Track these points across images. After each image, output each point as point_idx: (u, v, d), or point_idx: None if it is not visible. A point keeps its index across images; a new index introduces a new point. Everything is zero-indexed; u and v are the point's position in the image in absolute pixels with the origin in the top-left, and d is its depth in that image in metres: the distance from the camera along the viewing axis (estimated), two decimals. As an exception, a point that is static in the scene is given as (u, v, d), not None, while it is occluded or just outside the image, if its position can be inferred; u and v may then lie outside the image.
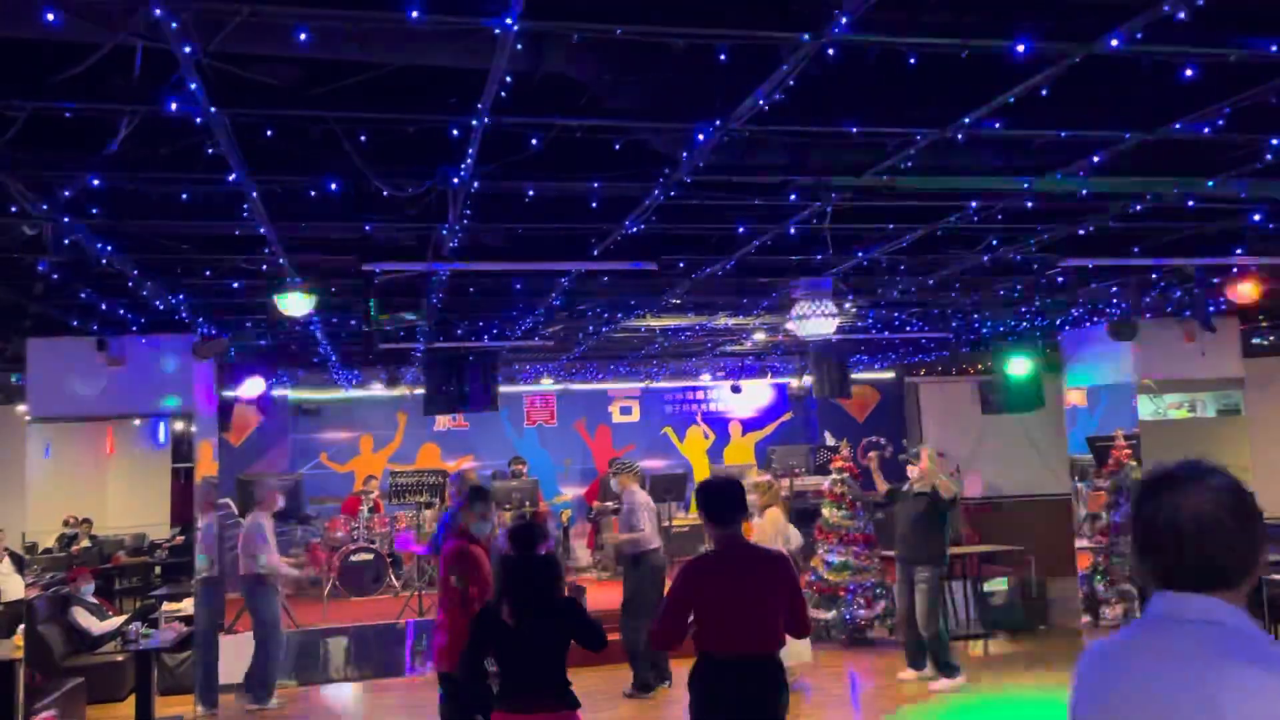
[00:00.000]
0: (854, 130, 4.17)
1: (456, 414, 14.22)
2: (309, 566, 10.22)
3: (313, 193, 4.76)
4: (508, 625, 4.24)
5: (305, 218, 5.14)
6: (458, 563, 5.67)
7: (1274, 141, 4.52)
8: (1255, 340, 11.16)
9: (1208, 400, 10.22)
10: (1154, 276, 7.90)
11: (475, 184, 4.66)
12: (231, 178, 4.34)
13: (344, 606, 11.09)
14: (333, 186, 4.62)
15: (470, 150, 4.17)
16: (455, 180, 4.55)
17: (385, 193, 4.60)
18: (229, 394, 10.19)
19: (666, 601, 4.37)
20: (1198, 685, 1.62)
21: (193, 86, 3.40)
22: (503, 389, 10.91)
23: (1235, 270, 7.30)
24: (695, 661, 4.31)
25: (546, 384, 15.00)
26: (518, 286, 7.35)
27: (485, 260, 6.18)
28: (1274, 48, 3.44)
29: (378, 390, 14.30)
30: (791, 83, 3.59)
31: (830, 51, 3.38)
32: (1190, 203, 5.53)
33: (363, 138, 4.14)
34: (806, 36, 3.24)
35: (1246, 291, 7.64)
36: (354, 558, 11.92)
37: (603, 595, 11.27)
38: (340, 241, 5.82)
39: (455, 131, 4.04)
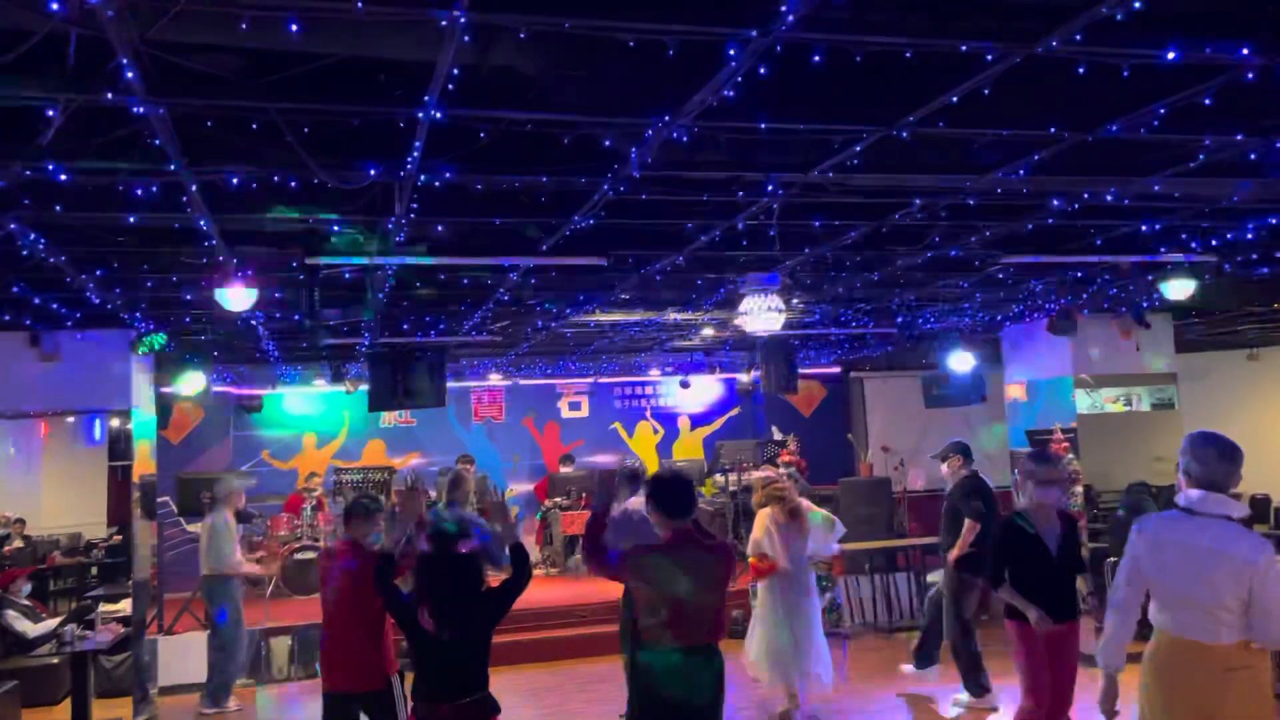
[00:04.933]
0: (801, 127, 4.20)
1: (403, 410, 14.10)
2: (270, 562, 10.07)
3: (255, 185, 4.67)
4: (427, 630, 4.14)
5: (247, 210, 5.05)
6: None
7: (1207, 141, 4.65)
8: (1189, 336, 11.48)
9: (1143, 394, 10.48)
10: (1078, 274, 8.08)
11: (422, 177, 4.62)
12: (170, 169, 4.24)
13: (287, 605, 10.94)
14: (275, 179, 4.54)
15: (417, 143, 4.13)
16: (401, 173, 4.50)
17: (330, 185, 4.54)
18: (168, 390, 9.98)
19: (617, 559, 4.41)
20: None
21: (130, 75, 3.32)
22: (450, 384, 10.82)
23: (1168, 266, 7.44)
24: (637, 651, 4.34)
25: (495, 379, 14.92)
26: (465, 281, 7.30)
27: (432, 254, 6.12)
28: (1208, 49, 3.54)
29: (321, 386, 14.11)
30: (740, 79, 3.60)
31: (778, 49, 3.41)
32: (1126, 201, 5.66)
33: (306, 130, 4.07)
34: (755, 33, 3.26)
35: None
36: (297, 556, 11.77)
37: (549, 593, 11.27)
38: (283, 235, 5.73)
39: (401, 124, 3.99)
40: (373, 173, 4.48)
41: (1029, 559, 5.33)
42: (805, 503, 7.63)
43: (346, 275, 6.58)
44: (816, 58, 3.49)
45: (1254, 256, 7.42)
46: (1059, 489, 5.43)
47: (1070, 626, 5.41)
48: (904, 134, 4.24)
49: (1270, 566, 3.64)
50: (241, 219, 5.22)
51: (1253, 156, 4.91)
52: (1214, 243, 6.87)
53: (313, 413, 14.82)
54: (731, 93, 3.70)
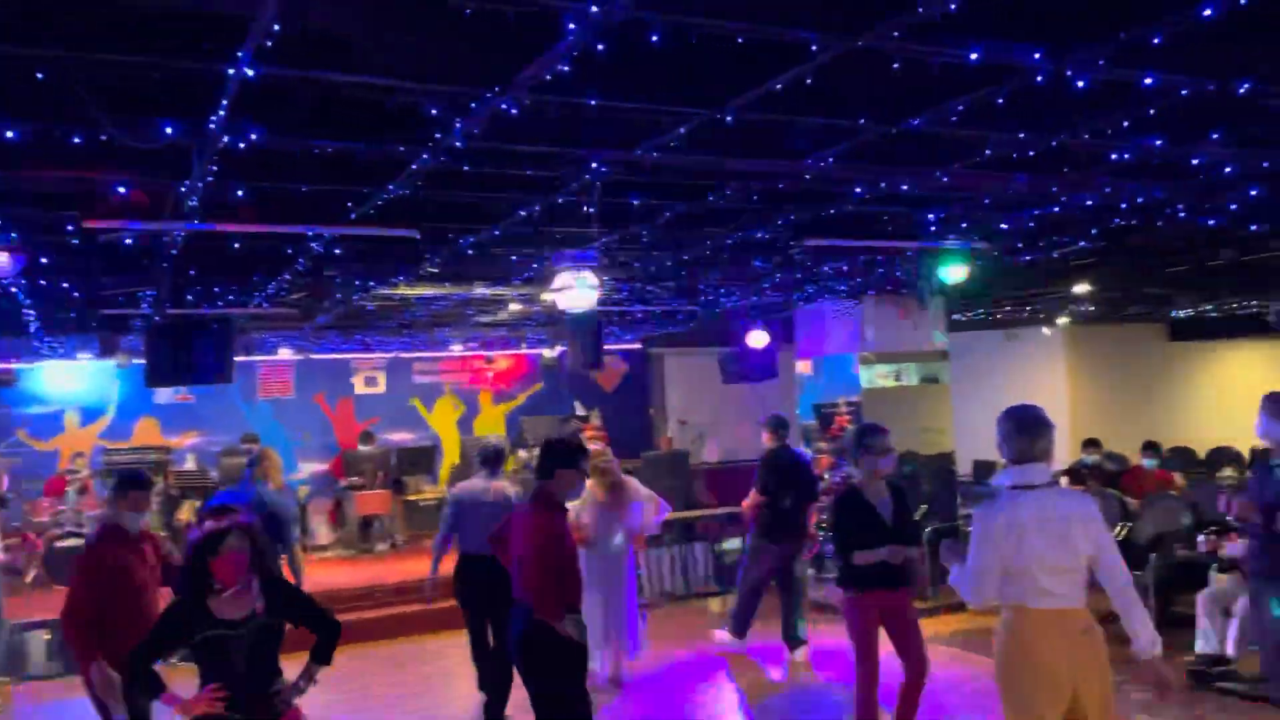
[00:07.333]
0: (630, 106, 4.21)
1: (181, 386, 13.19)
2: (19, 551, 9.17)
3: (30, 138, 4.20)
4: (207, 619, 3.82)
5: (18, 167, 4.55)
6: None
7: (993, 138, 5.02)
8: (955, 316, 12.44)
9: (912, 369, 11.25)
10: (868, 258, 8.57)
11: (225, 139, 4.30)
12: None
13: (51, 597, 10.01)
14: (56, 134, 4.11)
15: (224, 101, 3.84)
16: (204, 133, 4.18)
17: (119, 143, 4.15)
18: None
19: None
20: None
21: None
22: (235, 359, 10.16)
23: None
24: None
25: (284, 354, 14.20)
26: (261, 250, 6.87)
27: (229, 221, 5.74)
28: (1013, 53, 3.81)
29: (87, 360, 12.97)
30: (575, 54, 3.57)
31: (616, 23, 3.38)
32: (916, 190, 6.03)
33: (99, 81, 3.70)
34: (594, 8, 3.23)
35: None
36: (60, 544, 10.80)
37: (342, 575, 10.95)
38: (59, 196, 5.20)
39: (209, 80, 3.70)
40: (170, 131, 4.14)
41: (864, 528, 5.39)
42: (632, 481, 7.72)
43: (129, 241, 6.07)
44: (654, 37, 3.50)
45: (1019, 245, 8.12)
46: (892, 457, 5.55)
47: (905, 594, 5.55)
48: (729, 118, 4.34)
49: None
50: (11, 176, 4.70)
51: (1031, 154, 5.35)
52: (991, 231, 7.45)
53: (76, 388, 13.63)
54: (567, 67, 3.66)
